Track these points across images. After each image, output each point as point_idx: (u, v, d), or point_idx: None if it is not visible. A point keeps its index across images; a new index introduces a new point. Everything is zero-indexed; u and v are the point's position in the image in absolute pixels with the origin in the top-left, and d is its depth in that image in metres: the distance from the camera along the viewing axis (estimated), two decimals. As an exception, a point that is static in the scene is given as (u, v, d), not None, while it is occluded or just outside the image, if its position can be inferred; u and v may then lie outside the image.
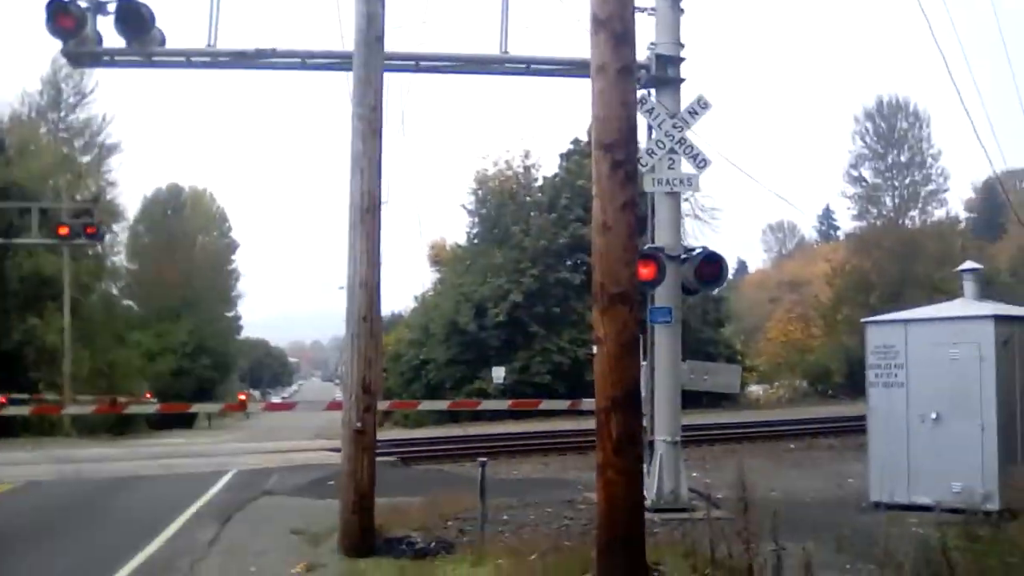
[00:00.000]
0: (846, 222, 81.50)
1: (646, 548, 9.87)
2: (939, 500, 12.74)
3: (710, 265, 14.95)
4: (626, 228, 9.96)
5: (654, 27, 15.35)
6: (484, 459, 13.29)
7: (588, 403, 26.33)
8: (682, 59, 15.53)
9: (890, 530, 10.57)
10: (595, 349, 10.06)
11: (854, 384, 58.71)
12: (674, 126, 14.86)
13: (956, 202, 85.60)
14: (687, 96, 15.40)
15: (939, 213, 72.79)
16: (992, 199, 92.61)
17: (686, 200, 40.60)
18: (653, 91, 15.42)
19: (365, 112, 12.26)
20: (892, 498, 14.48)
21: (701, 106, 15.07)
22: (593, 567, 9.75)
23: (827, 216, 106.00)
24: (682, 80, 15.51)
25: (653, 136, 14.94)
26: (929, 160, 71.46)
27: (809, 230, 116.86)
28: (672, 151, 14.82)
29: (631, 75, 9.96)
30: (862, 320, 17.11)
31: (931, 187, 71.58)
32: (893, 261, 65.24)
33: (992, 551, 9.06)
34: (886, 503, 14.49)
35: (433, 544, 11.90)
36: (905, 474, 14.53)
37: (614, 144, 9.91)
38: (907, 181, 71.63)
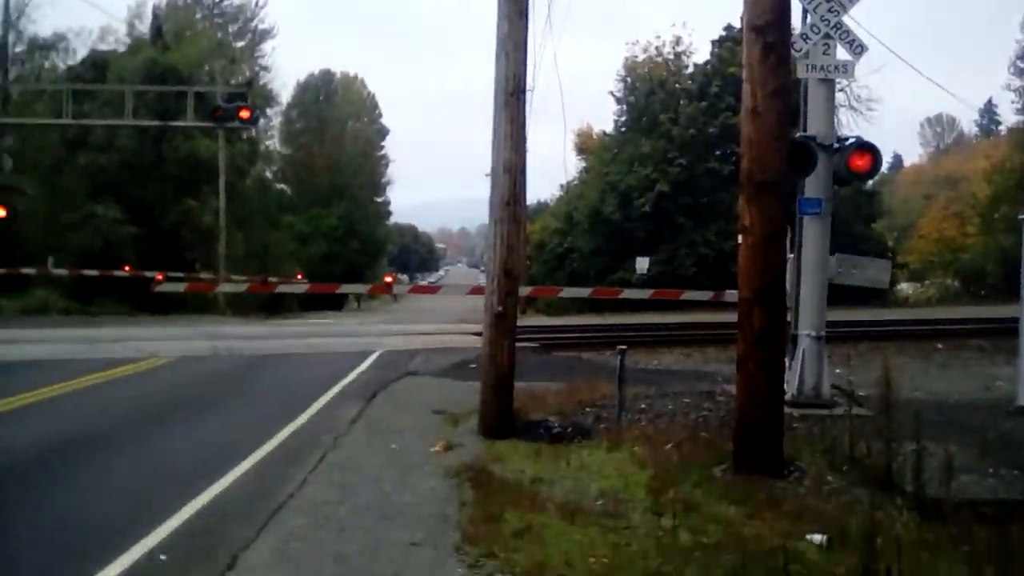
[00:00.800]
0: (1009, 116, 77.88)
1: (783, 442, 9.81)
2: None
3: (863, 155, 14.38)
4: (776, 115, 9.70)
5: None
6: (623, 347, 13.29)
7: (732, 295, 26.06)
8: (840, -61, 14.84)
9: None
10: (740, 239, 9.91)
11: (1009, 285, 56.63)
12: (830, 10, 14.25)
13: None
14: None
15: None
16: None
17: (841, 90, 39.37)
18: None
19: None
20: (1043, 402, 14.01)
21: None
22: (729, 458, 9.74)
23: (989, 110, 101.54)
24: None
25: (808, 20, 14.36)
26: (1102, 50, 67.44)
27: (969, 124, 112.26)
28: (827, 36, 14.24)
29: None
30: (1020, 217, 16.40)
31: (1103, 79, 67.66)
32: (1058, 158, 62.24)
33: None
34: (1036, 408, 14.02)
35: (570, 429, 12.00)
36: (1059, 377, 14.00)
37: (766, 26, 9.62)
38: (1075, 73, 67.88)
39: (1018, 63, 69.98)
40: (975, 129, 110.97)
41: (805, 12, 14.50)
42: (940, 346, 25.65)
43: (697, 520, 7.87)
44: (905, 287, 62.19)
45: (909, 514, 7.93)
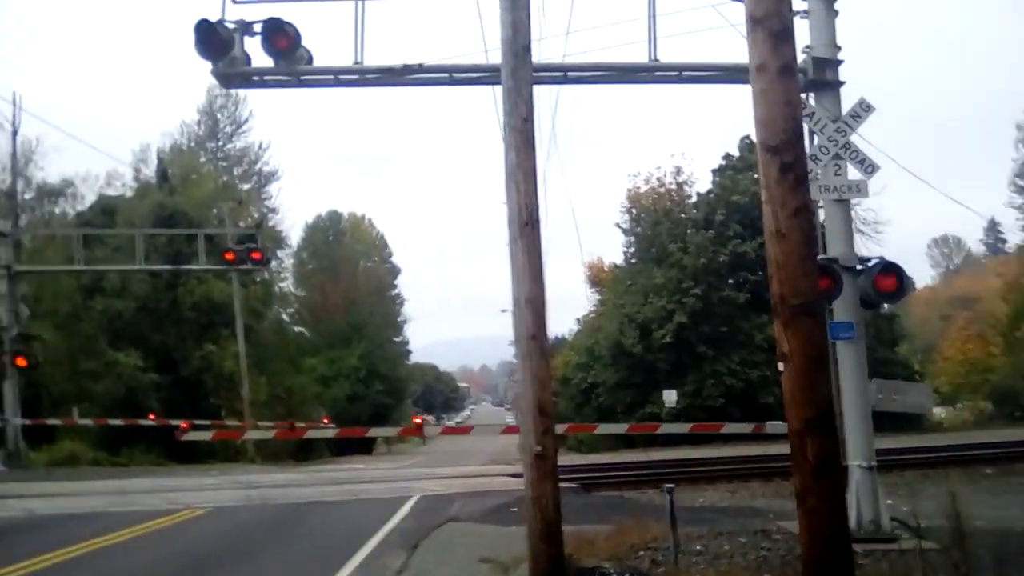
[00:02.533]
0: (1014, 234, 78.25)
1: (856, 582, 9.46)
2: None
3: (888, 276, 14.26)
4: (801, 235, 9.50)
5: (808, 30, 14.85)
6: (671, 485, 13.01)
7: (772, 426, 25.89)
8: (840, 61, 14.94)
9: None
10: (780, 367, 9.66)
11: (1044, 406, 56.39)
12: (837, 130, 14.33)
13: None
14: (847, 100, 14.82)
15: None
16: None
17: (852, 208, 39.56)
18: (811, 96, 14.90)
19: (517, 123, 11.93)
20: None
21: (864, 109, 14.46)
22: (800, 600, 9.37)
23: (993, 228, 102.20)
24: (841, 83, 14.88)
25: (816, 142, 14.38)
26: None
27: (976, 244, 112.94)
28: (837, 157, 14.28)
29: (793, 74, 9.55)
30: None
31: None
32: (1071, 273, 62.25)
33: None
34: (1103, 535, 13.60)
35: (627, 575, 11.62)
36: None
37: (781, 146, 9.49)
38: (1075, 188, 68.42)
39: (1017, 180, 70.65)
40: (982, 248, 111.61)
41: (811, 134, 14.56)
42: (988, 471, 25.15)
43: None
44: (938, 411, 61.48)
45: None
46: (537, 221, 11.96)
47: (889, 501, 14.72)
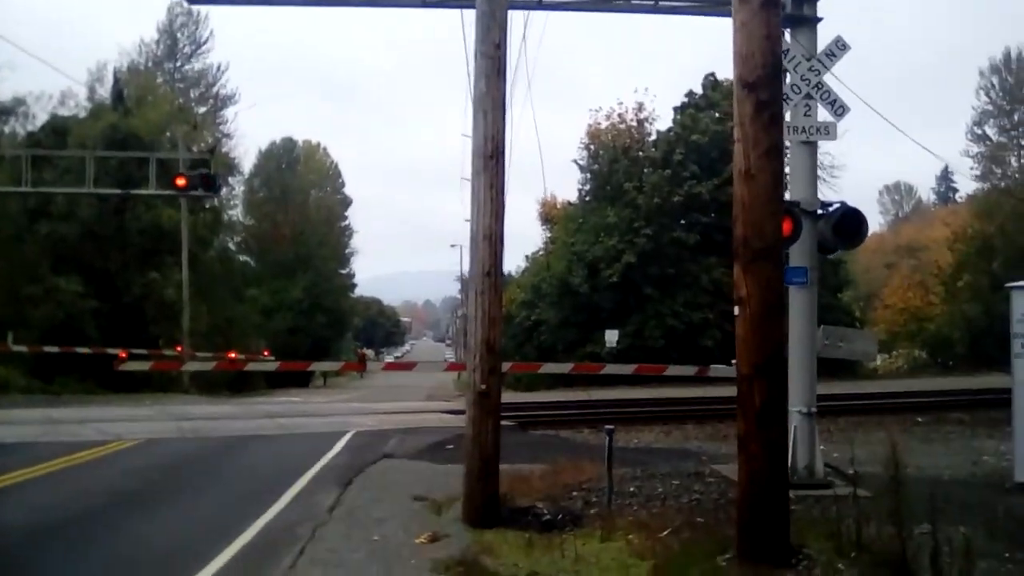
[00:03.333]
0: (967, 184, 78.83)
1: (787, 528, 9.37)
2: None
3: (849, 222, 14.11)
4: (771, 176, 9.31)
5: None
6: (611, 427, 12.90)
7: (716, 369, 25.91)
8: (818, -4, 14.61)
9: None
10: (736, 311, 9.49)
11: (976, 355, 57.10)
12: (810, 69, 13.98)
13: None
14: (823, 38, 14.45)
15: (1069, 173, 69.71)
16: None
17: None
18: (787, 31, 14.43)
19: (489, 50, 11.70)
20: (1039, 479, 13.66)
21: (839, 47, 14.06)
22: (732, 546, 9.27)
23: (945, 177, 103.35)
24: (819, 19, 14.55)
25: (788, 80, 14.01)
26: (1058, 117, 68.54)
27: (927, 192, 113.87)
28: (808, 96, 13.97)
29: (776, 5, 9.31)
30: (1007, 285, 16.06)
31: (1060, 146, 68.62)
32: (1018, 225, 62.69)
33: None
34: (1033, 484, 13.67)
35: (560, 516, 11.47)
36: (1055, 453, 13.65)
37: (758, 82, 9.26)
38: (1035, 139, 68.82)
39: (975, 129, 70.94)
40: (933, 197, 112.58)
41: (784, 71, 14.28)
42: (920, 420, 25.40)
43: (708, 617, 7.42)
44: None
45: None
46: (502, 154, 11.77)
47: (822, 447, 14.67)
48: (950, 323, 63.07)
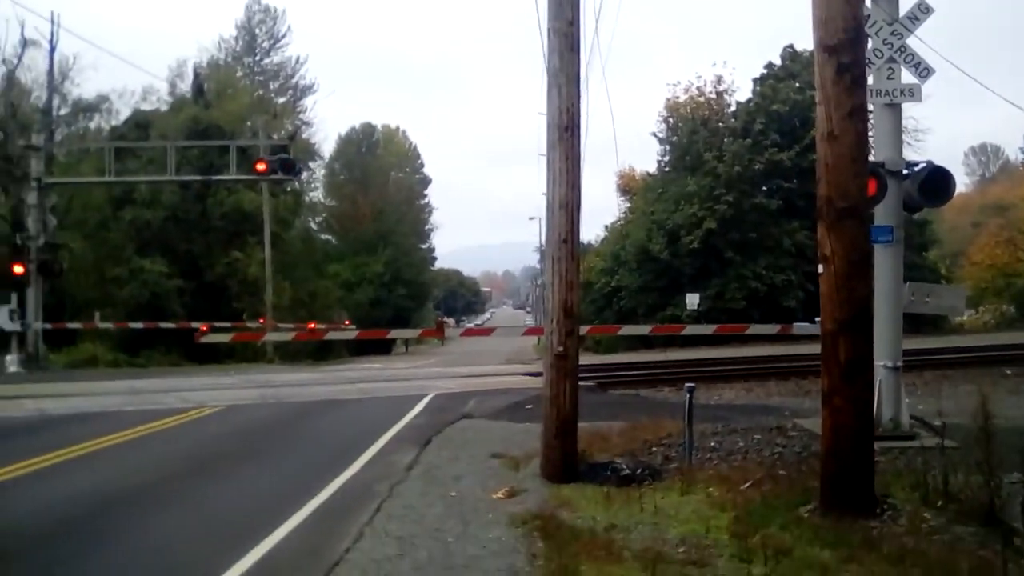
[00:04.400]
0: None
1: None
2: None
3: (936, 180, 13.81)
4: (854, 137, 9.30)
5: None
6: (691, 384, 12.76)
7: (799, 327, 25.60)
8: (900, -44, 14.24)
9: None
10: (820, 269, 9.39)
11: (1065, 309, 56.09)
12: (893, 33, 13.66)
13: None
14: (905, 2, 14.04)
15: None
16: None
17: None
18: (869, -4, 14.21)
19: (562, 26, 11.78)
20: None
21: (922, 11, 13.74)
22: (816, 498, 9.10)
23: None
24: None
25: (871, 44, 13.74)
26: None
27: (1015, 152, 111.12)
28: (891, 60, 13.66)
29: None
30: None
31: None
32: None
33: None
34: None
35: (640, 471, 11.33)
36: None
37: (839, 46, 9.26)
38: None
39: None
40: (1021, 156, 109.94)
41: (867, 35, 13.92)
42: (1008, 372, 24.83)
43: (790, 566, 7.27)
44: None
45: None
46: (577, 126, 11.88)
47: (907, 400, 14.36)
48: (1039, 279, 61.89)
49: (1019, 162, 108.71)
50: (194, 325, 39.12)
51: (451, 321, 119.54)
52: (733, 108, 56.74)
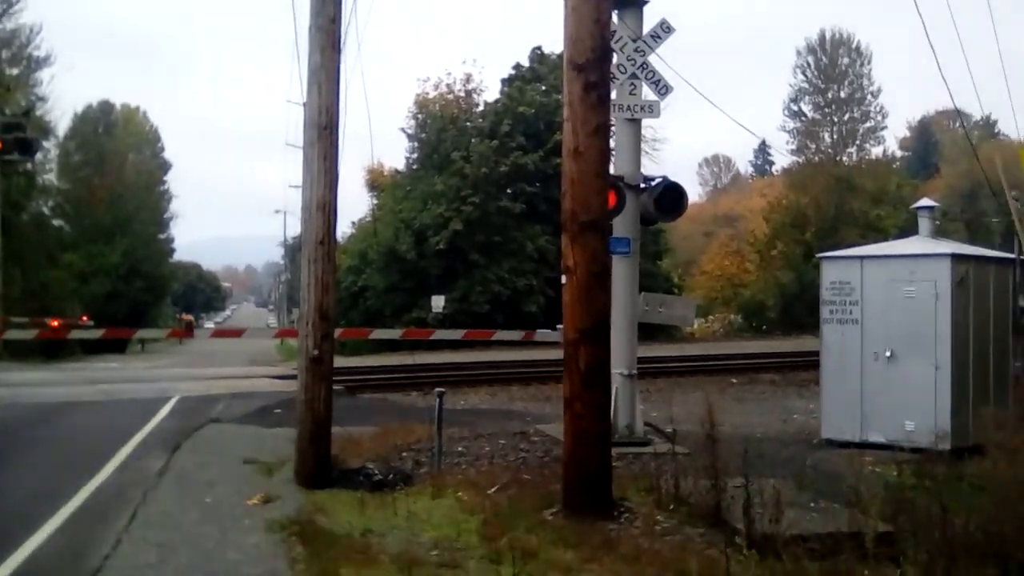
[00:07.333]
0: (783, 157, 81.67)
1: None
2: (892, 439, 12.86)
3: (670, 196, 14.67)
4: (598, 153, 9.77)
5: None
6: (442, 389, 13.16)
7: (541, 334, 26.39)
8: (645, -23, 14.96)
9: (849, 468, 10.63)
10: (563, 279, 9.90)
11: (788, 319, 59.89)
12: (636, 50, 14.36)
13: (891, 141, 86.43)
14: (649, 19, 14.73)
15: (876, 151, 73.12)
16: (926, 138, 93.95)
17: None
18: (615, 13, 14.91)
19: (324, 23, 11.77)
20: (844, 436, 14.48)
21: (664, 30, 14.45)
22: (559, 501, 9.67)
23: (763, 151, 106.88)
24: (646, 1, 14.78)
25: (615, 60, 14.43)
26: (868, 97, 71.57)
27: (744, 165, 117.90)
28: (634, 76, 14.35)
29: None
30: (817, 255, 17.06)
31: (869, 124, 71.52)
32: (829, 197, 65.62)
33: (949, 489, 9.03)
34: (838, 440, 14.50)
35: (391, 476, 11.65)
36: (858, 412, 14.47)
37: (587, 65, 9.65)
38: (846, 117, 71.60)
39: (791, 105, 73.60)
40: (750, 169, 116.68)
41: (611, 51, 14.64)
42: (734, 380, 26.56)
43: (536, 567, 7.73)
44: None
45: (746, 552, 7.97)
46: (336, 125, 11.91)
47: (641, 407, 15.25)
48: (764, 289, 65.91)
49: (748, 175, 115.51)
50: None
51: (190, 318, 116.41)
52: (481, 108, 57.55)
